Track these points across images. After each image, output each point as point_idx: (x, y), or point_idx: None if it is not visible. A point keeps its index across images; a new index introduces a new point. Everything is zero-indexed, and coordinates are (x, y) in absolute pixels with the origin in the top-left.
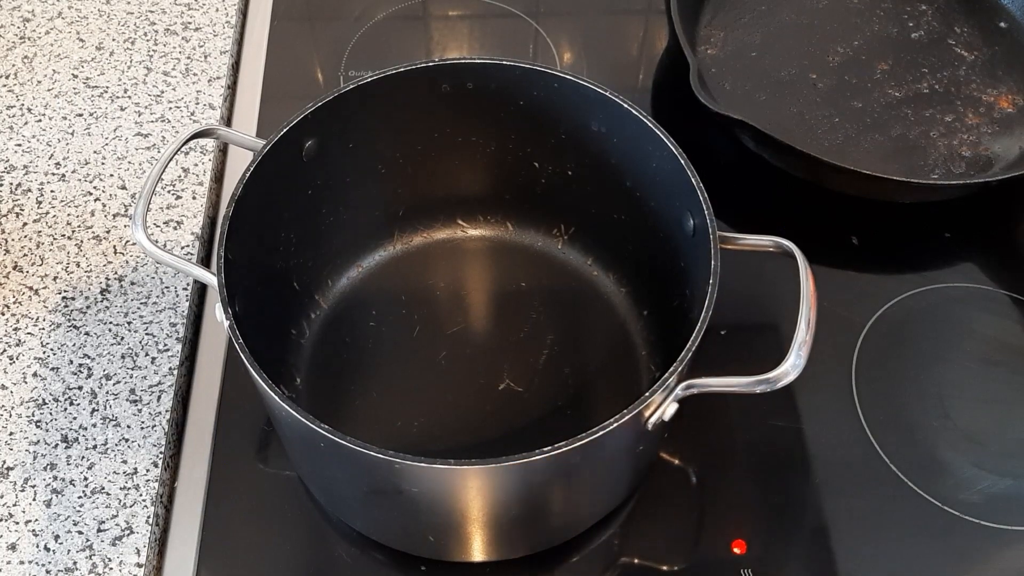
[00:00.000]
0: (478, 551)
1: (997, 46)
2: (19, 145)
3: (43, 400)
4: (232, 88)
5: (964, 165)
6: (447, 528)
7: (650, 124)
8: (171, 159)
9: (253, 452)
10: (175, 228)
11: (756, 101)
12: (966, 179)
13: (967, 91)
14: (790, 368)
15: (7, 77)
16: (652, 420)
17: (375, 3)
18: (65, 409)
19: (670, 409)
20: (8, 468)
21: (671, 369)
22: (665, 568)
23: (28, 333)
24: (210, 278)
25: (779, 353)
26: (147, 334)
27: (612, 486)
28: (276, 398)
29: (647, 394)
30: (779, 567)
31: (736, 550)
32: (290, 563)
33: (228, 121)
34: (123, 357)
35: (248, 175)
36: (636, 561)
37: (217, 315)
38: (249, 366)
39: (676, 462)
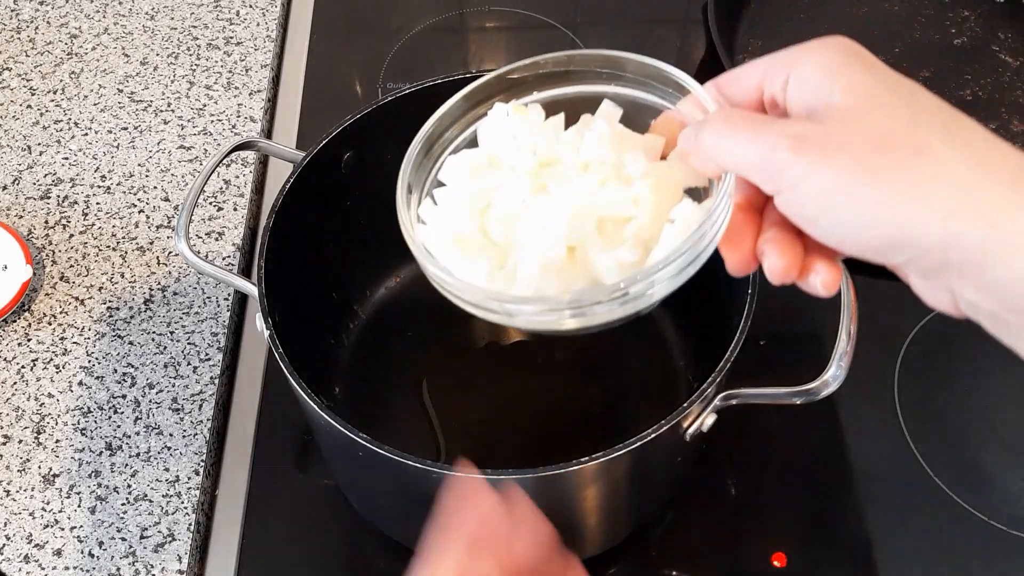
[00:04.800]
0: None
1: None
2: (66, 159)
3: (88, 408)
4: (272, 101)
5: None
6: None
7: None
8: (213, 171)
9: (292, 461)
10: (216, 239)
11: None
12: None
13: (1011, 97)
14: (831, 379)
15: (55, 92)
16: (690, 431)
17: (413, 16)
18: (109, 417)
19: (708, 420)
20: (55, 475)
21: (709, 379)
22: None
23: (74, 342)
24: (251, 288)
25: (820, 364)
26: (189, 343)
27: (650, 497)
28: (315, 407)
29: (685, 405)
30: None
31: (776, 563)
32: (328, 571)
33: (269, 133)
34: (166, 366)
35: (287, 187)
36: (674, 573)
37: (258, 325)
38: (289, 375)
39: (715, 474)
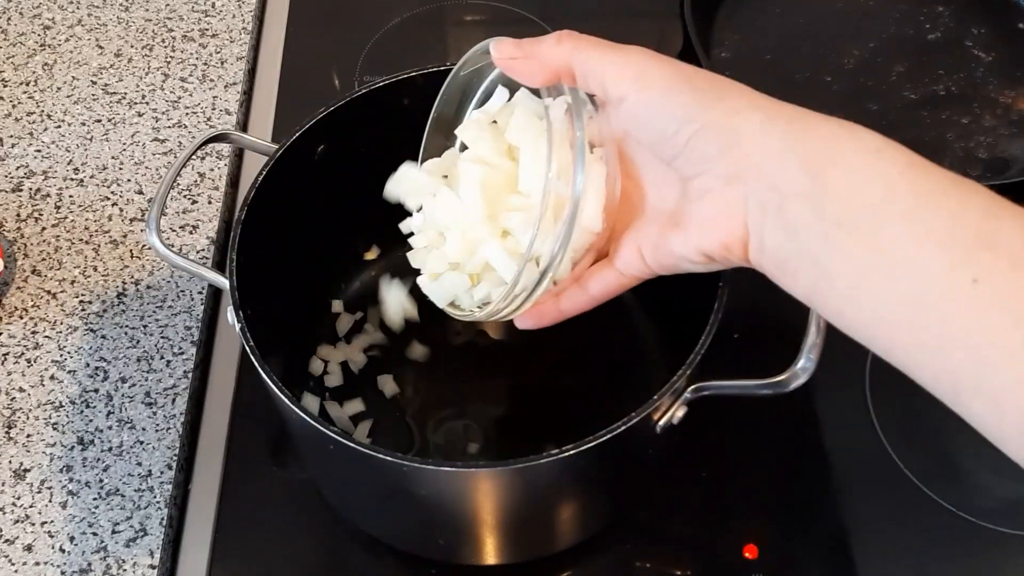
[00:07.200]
0: (489, 554)
1: (1014, 47)
2: (38, 151)
3: (60, 403)
4: (248, 94)
5: (981, 167)
6: (457, 531)
7: None
8: (185, 163)
9: (266, 455)
10: (191, 232)
11: None
12: (983, 182)
13: (984, 92)
14: (800, 371)
15: (27, 84)
16: (661, 423)
17: (391, 8)
18: (81, 412)
19: (679, 412)
20: (25, 470)
21: (680, 372)
22: (677, 573)
23: (46, 336)
24: (223, 282)
25: (794, 357)
26: (162, 337)
27: (623, 490)
28: (287, 402)
29: (655, 397)
30: (791, 573)
31: (748, 555)
32: (302, 565)
33: (244, 126)
34: (138, 360)
35: (260, 179)
36: (648, 566)
37: (229, 318)
38: (260, 370)
39: (689, 466)
